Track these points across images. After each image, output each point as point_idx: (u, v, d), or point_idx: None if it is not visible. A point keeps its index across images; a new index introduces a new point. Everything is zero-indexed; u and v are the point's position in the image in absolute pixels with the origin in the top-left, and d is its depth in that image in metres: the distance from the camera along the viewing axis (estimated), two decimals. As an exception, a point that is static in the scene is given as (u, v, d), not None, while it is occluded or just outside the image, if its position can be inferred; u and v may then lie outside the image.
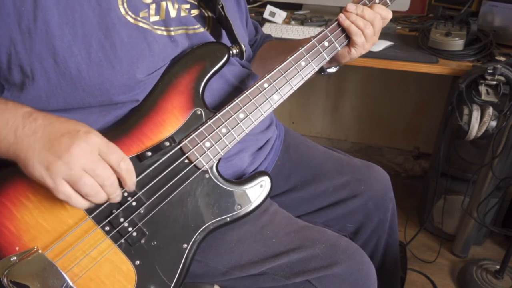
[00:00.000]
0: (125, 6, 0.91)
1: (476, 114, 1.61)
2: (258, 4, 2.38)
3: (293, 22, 2.21)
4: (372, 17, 1.05)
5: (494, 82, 1.61)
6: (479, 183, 1.89)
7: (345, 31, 1.06)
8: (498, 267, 1.97)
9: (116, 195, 0.86)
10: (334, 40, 1.06)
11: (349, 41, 1.08)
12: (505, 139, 1.72)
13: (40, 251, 0.85)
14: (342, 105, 2.79)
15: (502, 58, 1.68)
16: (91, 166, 0.80)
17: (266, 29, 2.10)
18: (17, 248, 0.86)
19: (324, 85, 2.72)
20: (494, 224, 2.15)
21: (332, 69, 1.22)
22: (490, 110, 1.60)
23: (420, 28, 2.01)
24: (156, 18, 0.97)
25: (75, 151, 0.79)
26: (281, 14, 2.20)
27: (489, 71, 1.58)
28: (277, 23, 2.19)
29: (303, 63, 1.03)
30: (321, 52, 1.05)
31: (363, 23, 1.05)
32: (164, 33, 0.97)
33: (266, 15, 2.20)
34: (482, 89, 1.64)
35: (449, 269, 2.11)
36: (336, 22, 1.06)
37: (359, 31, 1.05)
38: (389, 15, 1.08)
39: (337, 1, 2.21)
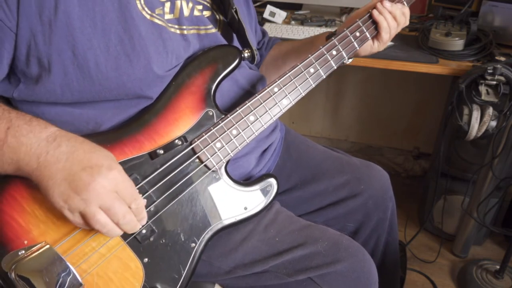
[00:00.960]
0: (142, 2, 0.92)
1: (476, 114, 1.62)
2: (258, 4, 2.38)
3: (293, 22, 2.22)
4: (400, 19, 1.13)
5: (494, 82, 1.61)
6: (479, 183, 1.90)
7: (353, 41, 1.10)
8: (498, 267, 1.98)
9: (136, 231, 0.88)
10: (341, 49, 1.09)
11: (376, 35, 1.14)
12: (505, 139, 1.72)
13: (48, 246, 0.84)
14: (342, 105, 2.79)
15: (502, 58, 1.69)
16: (107, 204, 0.81)
17: (266, 29, 2.09)
18: (25, 242, 0.85)
19: (324, 85, 2.73)
20: (494, 224, 2.15)
21: (349, 61, 1.25)
22: (490, 110, 1.61)
23: (420, 28, 2.01)
24: (170, 16, 0.98)
25: (94, 189, 0.79)
26: (281, 14, 2.20)
27: (489, 71, 1.59)
28: (277, 23, 2.19)
29: (312, 70, 1.06)
30: (329, 60, 1.08)
31: (393, 23, 1.12)
32: (178, 31, 0.98)
33: (266, 15, 2.20)
34: (482, 89, 1.64)
35: (449, 269, 2.11)
36: (344, 32, 1.09)
37: (388, 28, 1.11)
38: (407, 21, 1.16)
39: (337, 1, 2.21)
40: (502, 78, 1.59)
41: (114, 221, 0.82)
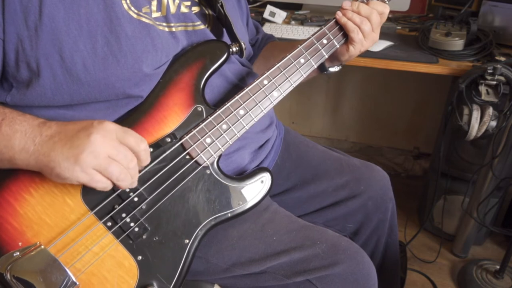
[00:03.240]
0: (128, 1, 0.92)
1: (476, 114, 1.62)
2: (258, 4, 2.39)
3: (293, 22, 2.21)
4: (368, 12, 1.06)
5: (494, 82, 1.61)
6: (479, 183, 1.89)
7: (343, 29, 1.07)
8: (498, 267, 1.98)
9: (136, 179, 0.89)
10: (332, 38, 1.07)
11: (347, 39, 1.08)
12: (505, 139, 1.72)
13: (43, 247, 0.85)
14: (342, 105, 2.79)
15: (502, 58, 1.69)
16: (113, 151, 0.82)
17: (266, 29, 2.10)
18: (20, 243, 0.86)
19: (324, 85, 2.72)
20: (494, 224, 2.15)
21: (335, 68, 1.23)
22: (490, 110, 1.61)
23: (420, 28, 2.01)
24: (158, 14, 0.98)
25: (95, 140, 0.80)
26: (281, 14, 2.20)
27: (489, 71, 1.59)
28: (277, 23, 2.19)
29: (302, 60, 1.04)
30: (320, 50, 1.06)
31: (360, 19, 1.06)
32: (166, 29, 0.98)
33: (266, 15, 2.20)
34: (482, 89, 1.64)
35: (449, 269, 2.11)
36: (334, 20, 1.07)
37: (356, 28, 1.06)
38: (386, 9, 1.08)
39: (337, 1, 2.20)
40: (502, 78, 1.59)
41: (124, 165, 0.84)
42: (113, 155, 0.82)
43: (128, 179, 0.85)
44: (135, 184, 0.88)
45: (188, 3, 1.05)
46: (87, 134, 0.81)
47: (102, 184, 0.83)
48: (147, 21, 0.94)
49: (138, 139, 0.86)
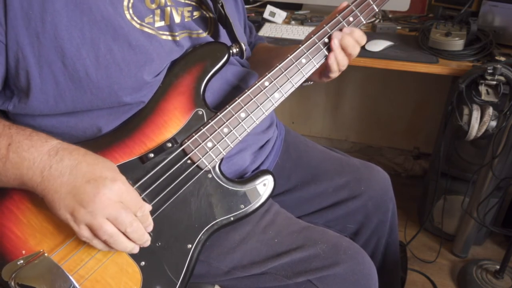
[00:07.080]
0: (131, 11, 0.91)
1: (476, 114, 1.62)
2: (258, 4, 2.39)
3: (293, 22, 2.22)
4: (353, 52, 1.06)
5: (494, 82, 1.61)
6: (479, 183, 1.90)
7: (346, 26, 1.06)
8: (498, 267, 1.98)
9: (145, 240, 0.88)
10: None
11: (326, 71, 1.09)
12: (505, 139, 1.72)
13: (46, 254, 0.86)
14: (342, 105, 2.79)
15: (502, 58, 1.69)
16: (114, 214, 0.81)
17: (266, 29, 2.10)
18: (23, 251, 0.86)
19: (324, 85, 2.72)
20: (494, 224, 2.15)
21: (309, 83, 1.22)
22: (490, 110, 1.61)
23: (420, 28, 2.01)
24: (161, 24, 0.97)
25: (100, 201, 0.80)
26: (281, 14, 2.20)
27: (489, 71, 1.59)
28: (277, 23, 2.19)
29: (303, 61, 1.03)
30: (322, 49, 1.04)
31: (346, 62, 1.06)
32: (169, 38, 0.98)
33: (266, 15, 2.20)
34: (482, 89, 1.64)
35: (449, 269, 2.11)
36: (336, 18, 1.05)
37: (338, 68, 1.07)
38: (364, 40, 1.07)
39: (337, 1, 2.20)
40: (502, 78, 1.59)
41: (121, 230, 0.83)
42: (111, 218, 0.81)
43: (120, 244, 0.84)
44: (135, 249, 0.88)
45: (190, 8, 1.04)
46: (94, 191, 0.80)
47: (86, 239, 0.83)
48: (150, 31, 0.93)
49: (137, 207, 0.85)
